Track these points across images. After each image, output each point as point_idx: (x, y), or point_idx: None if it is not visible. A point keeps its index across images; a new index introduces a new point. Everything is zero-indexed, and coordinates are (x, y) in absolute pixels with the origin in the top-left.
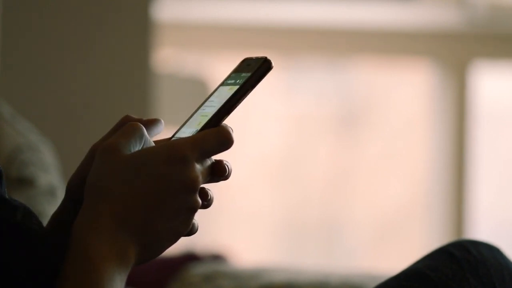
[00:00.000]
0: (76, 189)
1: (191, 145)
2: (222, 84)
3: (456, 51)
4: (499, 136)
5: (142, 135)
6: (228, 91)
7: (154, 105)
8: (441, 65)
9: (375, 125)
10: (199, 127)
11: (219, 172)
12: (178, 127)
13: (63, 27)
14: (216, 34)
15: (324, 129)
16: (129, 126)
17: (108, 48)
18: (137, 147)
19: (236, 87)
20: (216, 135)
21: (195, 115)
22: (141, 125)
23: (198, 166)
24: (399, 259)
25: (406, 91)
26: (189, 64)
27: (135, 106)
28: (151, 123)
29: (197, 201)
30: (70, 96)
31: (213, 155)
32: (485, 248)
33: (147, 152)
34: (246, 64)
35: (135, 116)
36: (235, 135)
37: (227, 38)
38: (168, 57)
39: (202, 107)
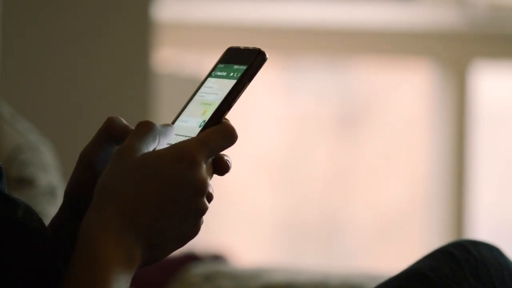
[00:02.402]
0: (72, 196)
1: (199, 145)
2: (212, 75)
3: (456, 51)
4: (499, 136)
5: (155, 134)
6: (225, 85)
7: (154, 105)
8: (441, 65)
9: (375, 125)
10: (206, 117)
11: (222, 169)
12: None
13: (63, 27)
14: (216, 34)
15: (324, 129)
16: (142, 126)
17: (108, 48)
18: (151, 147)
19: (233, 81)
20: (221, 132)
21: (191, 103)
22: (154, 123)
23: (205, 167)
24: (399, 259)
25: (406, 91)
26: (189, 64)
27: (135, 106)
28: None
29: (205, 204)
30: (70, 96)
31: (219, 152)
32: (485, 248)
33: (156, 154)
34: (235, 54)
35: (123, 120)
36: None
37: (227, 38)
38: (168, 57)
39: (198, 94)
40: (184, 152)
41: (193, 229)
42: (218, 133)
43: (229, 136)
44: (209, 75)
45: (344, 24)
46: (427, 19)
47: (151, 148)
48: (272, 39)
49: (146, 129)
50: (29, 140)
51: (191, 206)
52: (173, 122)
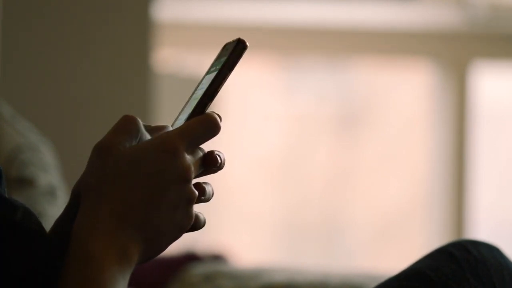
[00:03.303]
0: (79, 193)
1: (178, 135)
2: (208, 72)
3: (456, 51)
4: (499, 136)
5: (138, 129)
6: (209, 78)
7: (154, 105)
8: (441, 65)
9: (375, 125)
10: (190, 110)
11: (211, 162)
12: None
13: (63, 27)
14: (216, 34)
15: (324, 129)
16: (124, 121)
17: (108, 48)
18: (133, 142)
19: (215, 73)
20: (201, 122)
21: (189, 101)
22: (137, 118)
23: (188, 157)
24: (399, 259)
25: (406, 91)
26: (189, 64)
27: (135, 106)
28: (156, 130)
29: (192, 192)
30: (70, 96)
31: (202, 143)
32: (485, 248)
33: (137, 148)
34: (225, 49)
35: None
36: (235, 134)
37: (227, 38)
38: (168, 57)
39: (195, 92)
40: (164, 142)
41: (186, 218)
42: (199, 122)
43: (211, 125)
44: (206, 73)
45: (344, 24)
46: (427, 19)
47: (132, 143)
48: (272, 39)
49: (129, 124)
50: (29, 140)
51: (180, 195)
52: (174, 121)
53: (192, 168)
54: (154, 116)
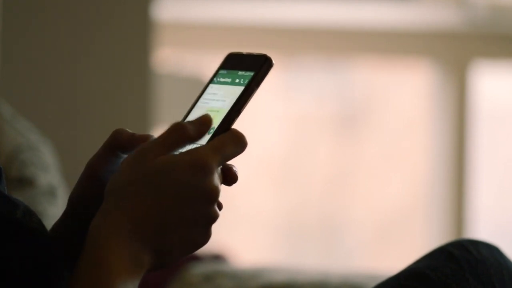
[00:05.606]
0: (76, 203)
1: (212, 152)
2: (212, 81)
3: (456, 51)
4: (499, 136)
5: (184, 144)
6: (232, 91)
7: (154, 105)
8: (441, 65)
9: (375, 125)
10: (215, 124)
11: (230, 179)
12: None
13: (63, 27)
14: (216, 34)
15: (324, 129)
16: (174, 132)
17: (108, 48)
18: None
19: (241, 88)
20: (232, 139)
21: (195, 110)
22: (189, 132)
23: (217, 175)
24: (399, 259)
25: (406, 91)
26: (189, 64)
27: (135, 106)
28: (142, 140)
29: (216, 212)
30: (70, 96)
31: (230, 159)
32: (485, 248)
33: (170, 160)
34: (237, 60)
35: (129, 130)
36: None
37: (227, 38)
38: (168, 57)
39: (201, 101)
40: (198, 159)
41: (204, 236)
42: (230, 139)
43: (240, 143)
44: (211, 81)
45: (344, 24)
46: (427, 19)
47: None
48: (272, 39)
49: (178, 137)
50: (29, 140)
51: (203, 213)
52: None
53: (219, 189)
54: (154, 116)
